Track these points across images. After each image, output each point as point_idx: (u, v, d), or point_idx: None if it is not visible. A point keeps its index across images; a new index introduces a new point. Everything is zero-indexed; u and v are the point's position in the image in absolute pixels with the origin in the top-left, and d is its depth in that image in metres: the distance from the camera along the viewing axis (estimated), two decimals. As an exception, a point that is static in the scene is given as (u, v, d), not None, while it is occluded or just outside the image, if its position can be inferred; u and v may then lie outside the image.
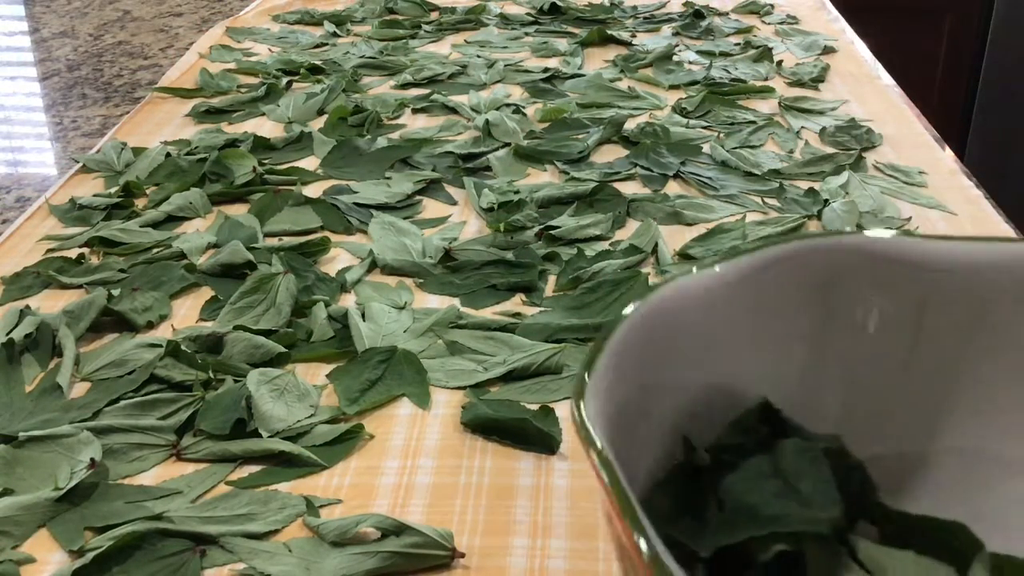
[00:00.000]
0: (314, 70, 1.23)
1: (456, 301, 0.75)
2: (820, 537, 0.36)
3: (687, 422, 0.40)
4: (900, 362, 0.43)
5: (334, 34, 1.40)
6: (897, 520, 0.40)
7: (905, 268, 0.41)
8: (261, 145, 1.01)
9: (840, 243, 0.41)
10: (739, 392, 0.41)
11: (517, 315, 0.73)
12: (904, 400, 0.43)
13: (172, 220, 0.87)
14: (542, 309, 0.74)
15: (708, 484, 0.38)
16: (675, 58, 1.26)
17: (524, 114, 1.08)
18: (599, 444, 0.32)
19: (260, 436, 0.60)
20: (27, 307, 0.73)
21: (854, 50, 1.31)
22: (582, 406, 0.33)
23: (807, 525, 0.36)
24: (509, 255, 0.80)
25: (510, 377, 0.66)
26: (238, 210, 0.89)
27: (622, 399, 0.36)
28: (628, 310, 0.38)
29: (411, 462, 0.59)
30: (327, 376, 0.66)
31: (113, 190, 0.92)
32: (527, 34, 1.40)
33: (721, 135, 1.02)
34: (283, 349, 0.68)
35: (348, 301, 0.75)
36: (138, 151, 1.00)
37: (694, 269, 0.40)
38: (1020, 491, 0.42)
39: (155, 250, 0.82)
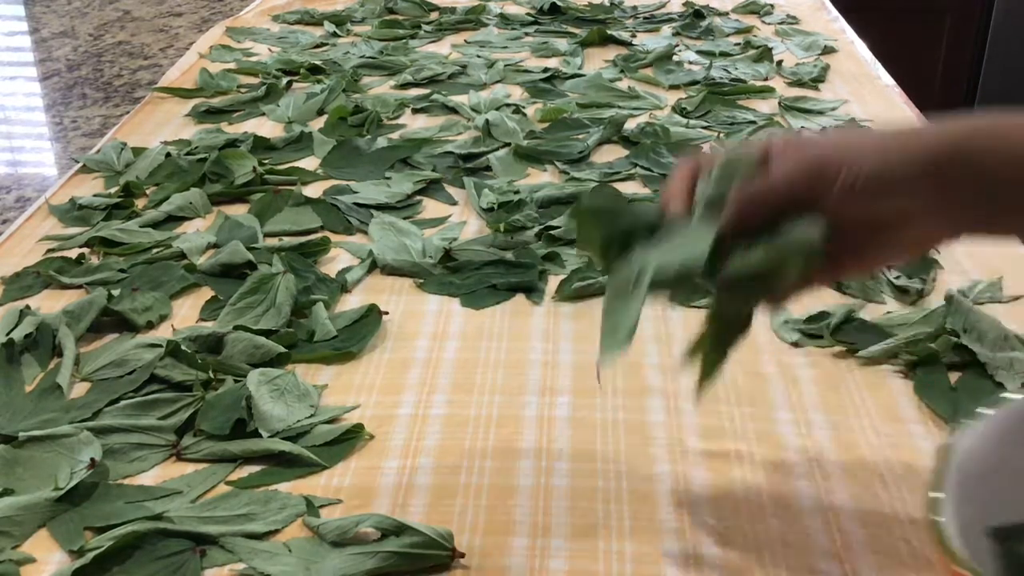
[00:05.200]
0: (314, 70, 1.23)
1: (456, 300, 0.75)
2: None
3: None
4: None
5: (334, 34, 1.40)
6: None
7: None
8: (261, 145, 1.01)
9: None
10: None
11: None
12: None
13: (172, 220, 0.87)
14: None
15: None
16: (675, 58, 1.26)
17: (524, 114, 1.08)
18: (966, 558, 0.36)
19: (260, 436, 0.60)
20: (27, 307, 0.73)
21: (854, 50, 1.31)
22: (942, 525, 0.38)
23: None
24: (509, 255, 0.80)
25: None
26: (238, 210, 0.89)
27: (967, 517, 0.40)
28: (961, 433, 0.42)
29: (411, 462, 0.59)
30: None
31: (113, 190, 0.92)
32: (527, 34, 1.40)
33: (721, 135, 1.02)
34: (283, 349, 0.68)
35: (349, 301, 0.75)
36: (138, 151, 1.00)
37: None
38: None
39: (155, 250, 0.82)
